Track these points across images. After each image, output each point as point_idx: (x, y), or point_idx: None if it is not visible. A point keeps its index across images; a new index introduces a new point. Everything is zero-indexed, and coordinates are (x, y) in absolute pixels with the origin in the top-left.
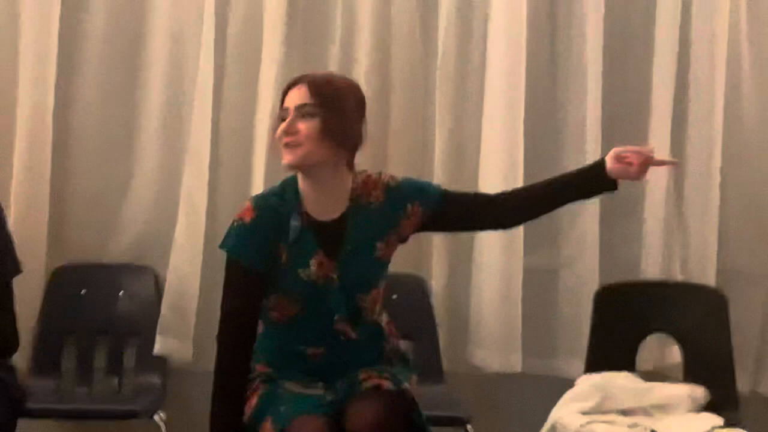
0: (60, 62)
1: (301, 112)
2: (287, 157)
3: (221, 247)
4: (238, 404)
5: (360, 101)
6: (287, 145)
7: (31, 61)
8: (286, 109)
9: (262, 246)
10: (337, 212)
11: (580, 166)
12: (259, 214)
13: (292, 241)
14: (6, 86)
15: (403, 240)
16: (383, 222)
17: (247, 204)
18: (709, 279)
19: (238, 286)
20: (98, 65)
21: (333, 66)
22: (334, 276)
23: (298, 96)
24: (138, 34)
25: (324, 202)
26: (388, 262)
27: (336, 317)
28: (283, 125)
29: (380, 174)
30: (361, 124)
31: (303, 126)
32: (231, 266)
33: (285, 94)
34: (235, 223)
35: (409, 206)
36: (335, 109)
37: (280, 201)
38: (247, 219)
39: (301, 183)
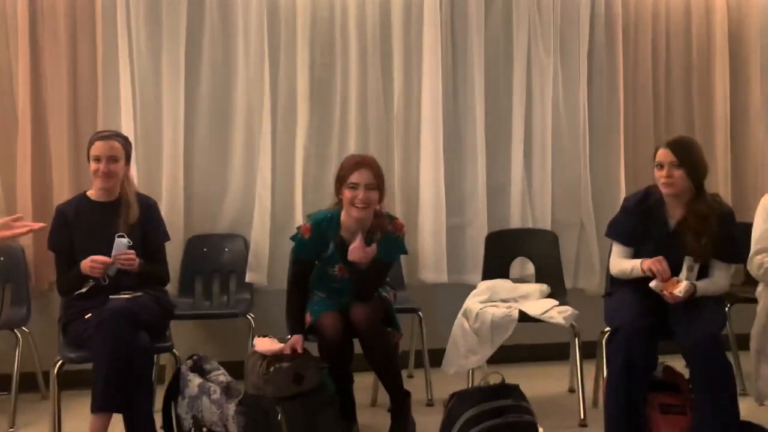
0: (186, 121)
1: (368, 187)
2: (359, 214)
3: (293, 251)
4: (301, 311)
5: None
6: (360, 208)
7: (169, 113)
8: (357, 184)
9: (312, 251)
10: (366, 257)
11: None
12: (312, 234)
13: (328, 254)
14: (154, 130)
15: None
16: (380, 250)
17: (308, 225)
18: (547, 225)
19: (298, 266)
20: (206, 125)
21: (335, 124)
22: (346, 274)
23: (365, 176)
24: (228, 100)
25: (354, 234)
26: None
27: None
28: (361, 197)
29: (391, 221)
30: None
31: (371, 195)
32: (295, 259)
33: (350, 170)
34: (299, 236)
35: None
36: (382, 183)
37: (328, 227)
38: (306, 236)
39: (343, 217)
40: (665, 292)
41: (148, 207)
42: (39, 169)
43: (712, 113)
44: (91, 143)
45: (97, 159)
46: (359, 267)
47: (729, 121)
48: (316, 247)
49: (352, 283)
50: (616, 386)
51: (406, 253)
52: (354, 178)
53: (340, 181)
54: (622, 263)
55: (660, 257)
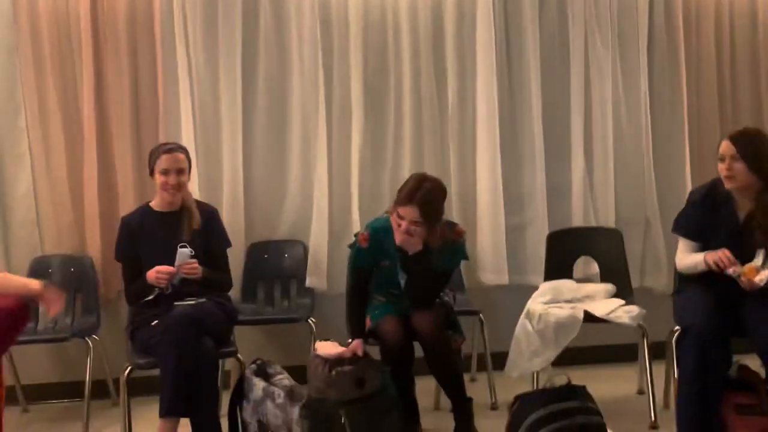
0: (244, 131)
1: (414, 223)
2: (400, 240)
3: (349, 260)
4: (361, 316)
5: (444, 194)
6: (403, 234)
7: (227, 122)
8: (403, 218)
9: (370, 261)
10: (415, 249)
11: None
12: (370, 243)
13: (389, 265)
14: (213, 139)
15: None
16: (436, 259)
17: (366, 233)
18: (611, 223)
19: (355, 274)
20: (265, 131)
21: (389, 126)
22: (409, 283)
23: (411, 214)
24: (284, 108)
25: (408, 243)
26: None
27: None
28: (404, 228)
29: (452, 229)
30: (443, 207)
31: (415, 229)
32: (353, 267)
33: (402, 202)
34: (357, 245)
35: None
36: (433, 220)
37: (386, 237)
38: (364, 245)
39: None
40: (743, 278)
41: (210, 215)
42: (104, 180)
43: None
44: (156, 156)
45: (165, 172)
46: (419, 276)
47: None
48: (374, 255)
49: (413, 290)
50: (689, 387)
51: (467, 258)
52: (401, 211)
53: (396, 204)
54: (688, 258)
55: (724, 249)
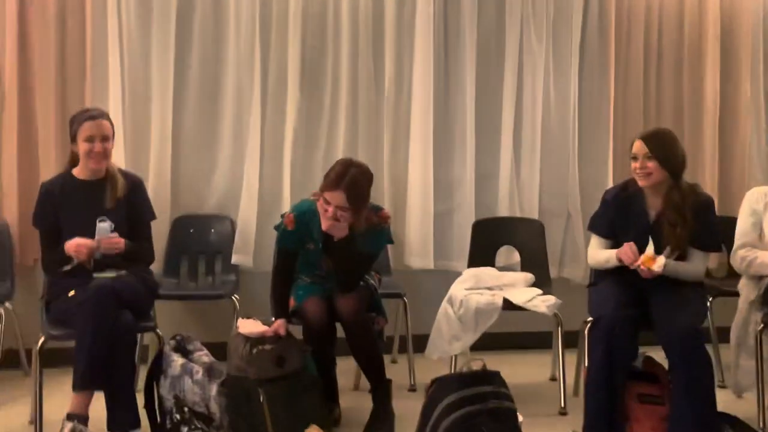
0: (174, 98)
1: (340, 208)
2: (327, 226)
3: (277, 241)
4: (285, 296)
5: (371, 180)
6: (329, 219)
7: (158, 91)
8: (330, 203)
9: (296, 243)
10: (341, 234)
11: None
12: (296, 226)
13: (312, 249)
14: (142, 109)
15: None
16: (361, 241)
17: (291, 216)
18: (534, 214)
19: (282, 255)
20: (196, 101)
21: (325, 105)
22: (330, 266)
23: (338, 199)
24: (218, 80)
25: (334, 228)
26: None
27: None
28: (331, 214)
29: (377, 213)
30: (369, 193)
31: (342, 214)
32: (278, 248)
33: (329, 186)
34: (282, 228)
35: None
36: (359, 206)
37: (312, 220)
38: (289, 228)
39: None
40: (642, 267)
41: (135, 185)
42: (25, 144)
43: (701, 108)
44: (79, 123)
45: (90, 139)
46: (343, 259)
47: (718, 116)
48: (300, 237)
49: (336, 274)
50: (596, 375)
51: (391, 242)
52: (328, 196)
53: (321, 189)
54: (598, 255)
55: (630, 243)
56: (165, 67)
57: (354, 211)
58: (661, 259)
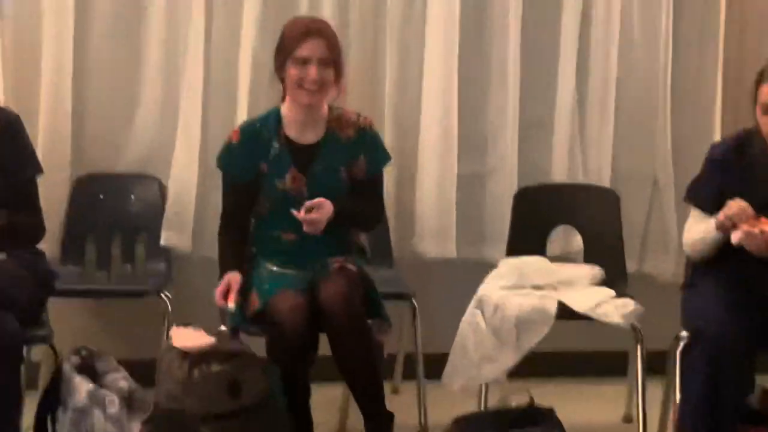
0: (77, 5)
1: (322, 63)
2: (309, 99)
3: (218, 166)
4: (236, 248)
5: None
6: (310, 91)
7: (52, 12)
8: (308, 59)
9: (246, 161)
10: (314, 137)
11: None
12: (243, 136)
13: (271, 158)
14: (33, 23)
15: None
16: (348, 154)
17: (236, 128)
18: (605, 181)
19: (229, 193)
20: (109, 9)
21: (302, 11)
22: (304, 188)
23: (318, 48)
24: None
25: (303, 129)
26: (348, 182)
27: None
28: (313, 75)
29: (359, 116)
30: None
31: (324, 74)
32: (223, 177)
33: (296, 40)
34: (225, 143)
35: (362, 156)
36: (340, 57)
37: (264, 125)
38: (234, 140)
39: (284, 110)
40: (755, 230)
41: (7, 124)
42: None
43: None
44: None
45: None
46: (324, 180)
47: None
48: (250, 157)
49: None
50: (693, 416)
51: (389, 158)
52: (302, 51)
53: (283, 54)
54: (694, 231)
55: (737, 198)
56: None
57: (336, 67)
58: None
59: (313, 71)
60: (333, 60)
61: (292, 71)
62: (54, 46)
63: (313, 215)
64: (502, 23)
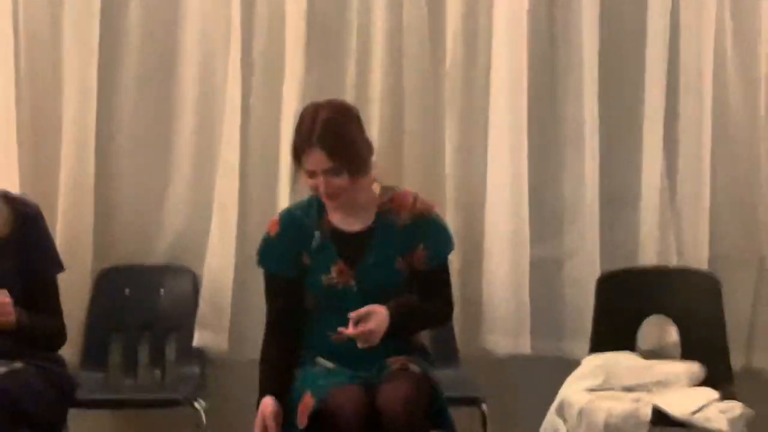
0: (100, 78)
1: (328, 173)
2: (333, 204)
3: (259, 262)
4: (279, 362)
5: (357, 119)
6: (329, 197)
7: (74, 76)
8: (314, 172)
9: (286, 255)
10: (362, 224)
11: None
12: (283, 227)
13: (314, 251)
14: (51, 101)
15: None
16: (404, 243)
17: (275, 218)
18: (702, 263)
19: (272, 291)
20: (135, 81)
21: (349, 79)
22: (353, 283)
23: (318, 161)
24: (171, 52)
25: (349, 216)
26: (406, 274)
27: None
28: (321, 188)
29: (416, 199)
30: (366, 137)
31: (335, 182)
32: (264, 277)
33: (299, 149)
34: (264, 238)
35: (421, 245)
36: (351, 155)
37: (305, 214)
38: (273, 233)
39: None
40: None
41: (26, 218)
42: None
43: None
44: None
45: None
46: (375, 276)
47: None
48: (292, 250)
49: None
50: None
51: (452, 246)
52: (307, 163)
53: (295, 158)
54: None
55: None
56: (85, 33)
57: (350, 171)
58: None
59: (321, 184)
60: (339, 166)
61: (306, 178)
62: (73, 119)
63: (365, 327)
64: (576, 82)
